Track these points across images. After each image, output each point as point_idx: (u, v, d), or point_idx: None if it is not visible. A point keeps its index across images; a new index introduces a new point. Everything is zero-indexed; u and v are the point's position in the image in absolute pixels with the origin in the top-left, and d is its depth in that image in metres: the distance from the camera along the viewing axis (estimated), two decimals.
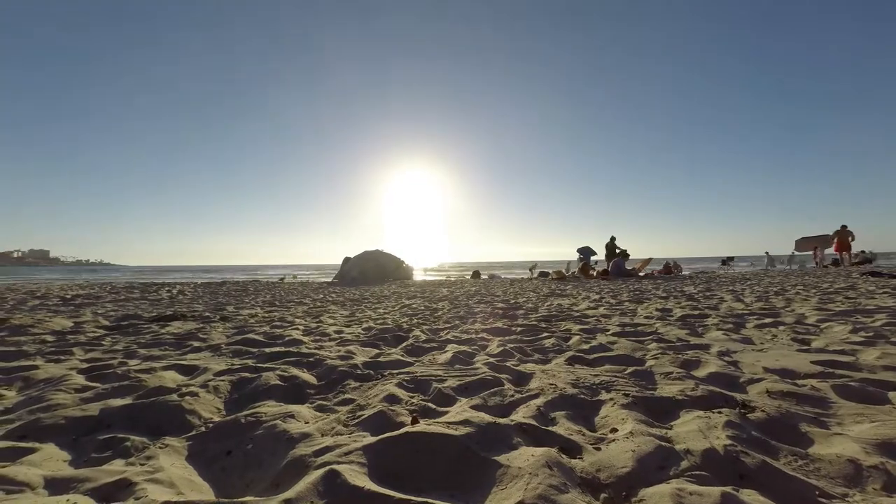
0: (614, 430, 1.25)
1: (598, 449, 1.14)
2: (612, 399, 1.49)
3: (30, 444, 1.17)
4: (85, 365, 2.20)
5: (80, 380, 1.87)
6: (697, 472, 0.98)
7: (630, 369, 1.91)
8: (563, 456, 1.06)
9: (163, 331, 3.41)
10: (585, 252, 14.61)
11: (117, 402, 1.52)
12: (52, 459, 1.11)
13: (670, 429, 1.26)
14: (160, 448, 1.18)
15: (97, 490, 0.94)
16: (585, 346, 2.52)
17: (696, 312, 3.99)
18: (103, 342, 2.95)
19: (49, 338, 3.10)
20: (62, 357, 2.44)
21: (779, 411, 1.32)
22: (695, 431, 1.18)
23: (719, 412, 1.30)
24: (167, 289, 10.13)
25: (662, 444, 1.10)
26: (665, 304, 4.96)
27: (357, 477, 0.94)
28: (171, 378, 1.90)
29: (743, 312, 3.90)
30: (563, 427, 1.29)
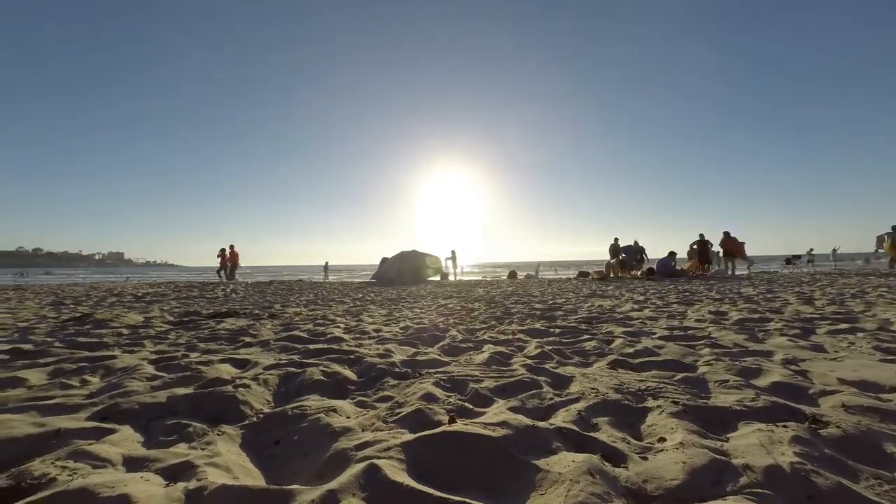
0: (662, 440, 1.17)
1: (645, 458, 1.08)
2: (659, 406, 1.41)
3: (110, 426, 1.32)
4: (154, 356, 2.43)
5: (150, 370, 2.07)
6: (759, 490, 0.90)
7: (680, 376, 1.79)
8: (606, 464, 1.01)
9: (218, 326, 3.69)
10: (628, 251, 13.91)
11: (181, 390, 1.66)
12: (128, 440, 1.24)
13: (727, 441, 1.16)
14: (218, 435, 1.28)
15: (165, 470, 1.04)
16: (629, 350, 2.40)
17: (756, 316, 3.67)
18: (169, 336, 3.25)
19: (125, 331, 3.47)
20: (135, 348, 2.72)
21: (858, 428, 1.18)
22: (755, 445, 1.08)
23: (784, 426, 1.18)
24: (222, 288, 10.94)
25: (717, 457, 1.02)
26: (719, 306, 4.60)
27: (396, 473, 0.96)
28: (227, 370, 2.05)
29: (812, 316, 3.53)
30: (606, 434, 1.23)
